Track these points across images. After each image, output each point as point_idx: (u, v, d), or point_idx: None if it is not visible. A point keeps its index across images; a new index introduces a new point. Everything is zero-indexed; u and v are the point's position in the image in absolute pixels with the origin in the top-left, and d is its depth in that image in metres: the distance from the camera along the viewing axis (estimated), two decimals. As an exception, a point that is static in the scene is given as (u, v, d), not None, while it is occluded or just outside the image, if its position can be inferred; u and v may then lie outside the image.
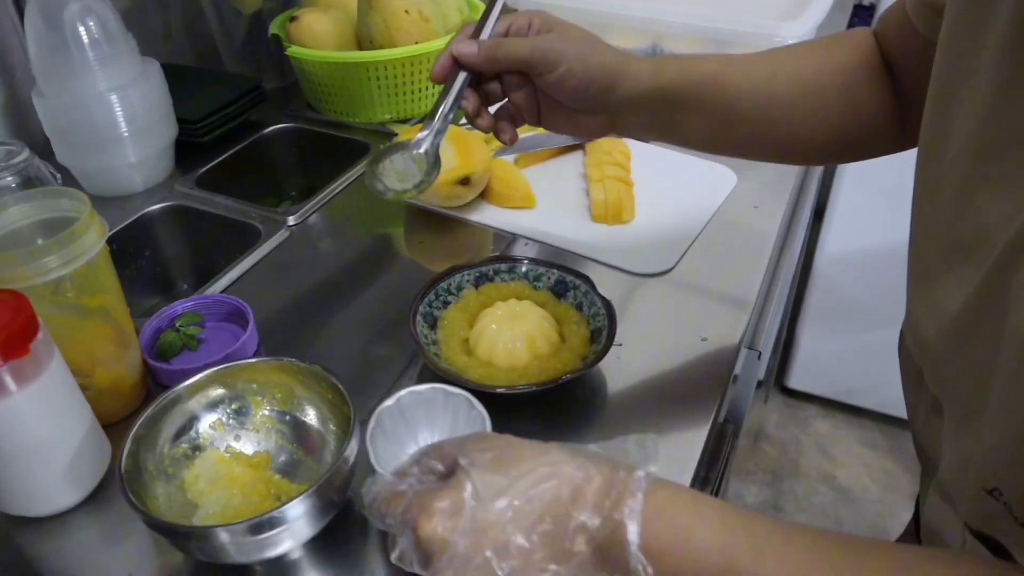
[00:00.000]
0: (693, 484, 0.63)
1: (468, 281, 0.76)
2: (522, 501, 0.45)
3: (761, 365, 1.16)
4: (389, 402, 0.63)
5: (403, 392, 0.64)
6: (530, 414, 0.68)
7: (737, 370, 0.81)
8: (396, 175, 0.64)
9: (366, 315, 0.80)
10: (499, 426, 0.61)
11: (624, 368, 0.73)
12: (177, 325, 0.78)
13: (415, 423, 0.64)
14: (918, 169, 0.49)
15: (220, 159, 1.08)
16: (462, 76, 0.63)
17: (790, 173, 1.01)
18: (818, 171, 1.22)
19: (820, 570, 0.41)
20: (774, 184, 0.98)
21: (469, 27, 0.64)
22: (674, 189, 0.97)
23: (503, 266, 0.77)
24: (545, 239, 0.90)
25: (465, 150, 0.93)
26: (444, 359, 0.69)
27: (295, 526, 0.55)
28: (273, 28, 1.14)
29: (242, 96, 1.10)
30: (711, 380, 0.72)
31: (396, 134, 1.07)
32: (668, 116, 0.65)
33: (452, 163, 0.91)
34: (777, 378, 2.07)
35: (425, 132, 0.64)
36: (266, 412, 0.67)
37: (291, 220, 0.95)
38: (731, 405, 0.95)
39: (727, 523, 0.44)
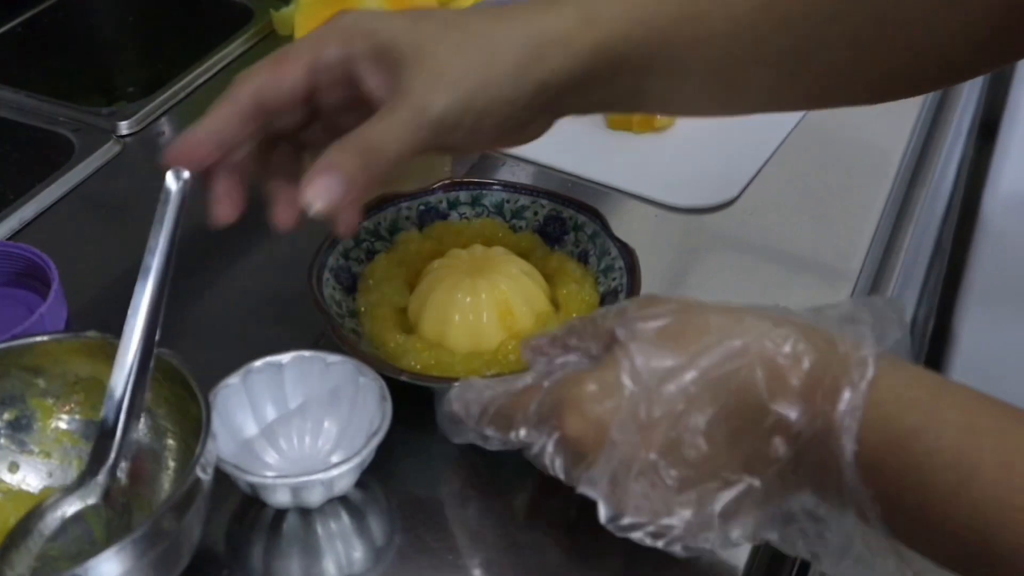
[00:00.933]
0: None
1: (408, 218, 0.75)
2: (700, 387, 0.48)
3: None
4: (233, 379, 0.65)
5: (257, 363, 0.65)
6: None
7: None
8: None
9: (244, 278, 0.80)
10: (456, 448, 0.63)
11: None
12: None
13: (262, 406, 0.66)
14: None
15: (6, 28, 1.05)
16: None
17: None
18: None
19: None
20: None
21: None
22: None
23: (463, 194, 0.75)
24: (536, 158, 0.90)
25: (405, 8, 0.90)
26: (369, 339, 0.68)
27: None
28: None
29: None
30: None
31: None
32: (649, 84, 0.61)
33: None
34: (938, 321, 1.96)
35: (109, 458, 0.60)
36: (61, 423, 0.66)
37: (123, 127, 0.92)
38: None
39: (973, 424, 0.45)
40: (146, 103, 0.94)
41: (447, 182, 0.75)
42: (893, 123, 0.96)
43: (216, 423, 0.60)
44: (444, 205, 0.76)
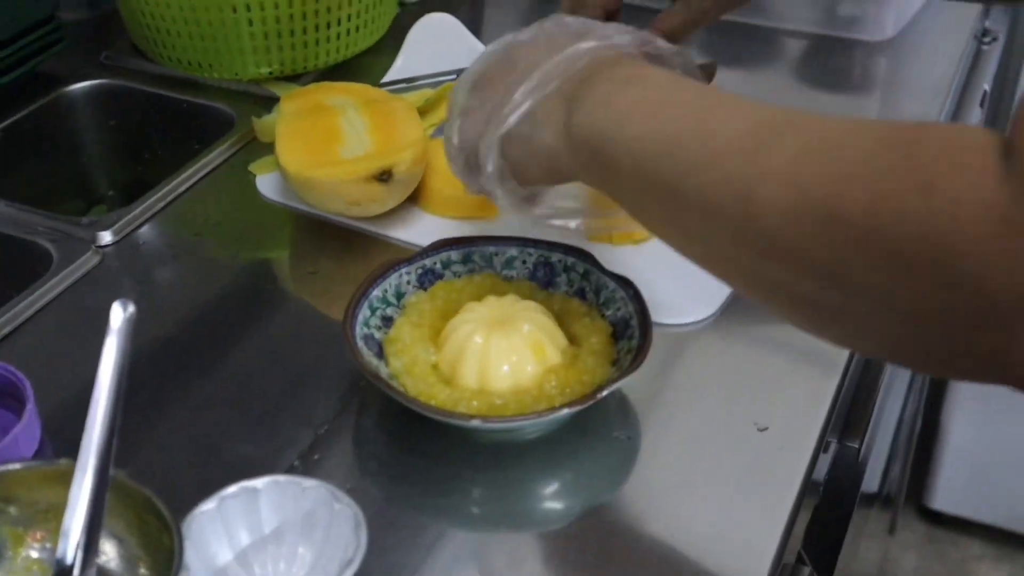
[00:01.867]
0: None
1: (409, 283, 0.78)
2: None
3: (871, 471, 1.16)
4: (207, 505, 0.64)
5: (231, 489, 0.64)
6: (544, 455, 0.71)
7: (819, 475, 0.82)
8: None
9: (225, 391, 0.78)
10: (514, 483, 0.69)
11: (637, 477, 0.71)
12: None
13: (237, 532, 0.66)
14: None
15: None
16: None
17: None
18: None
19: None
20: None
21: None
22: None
23: (453, 253, 0.79)
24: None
25: (385, 125, 0.92)
26: (415, 396, 0.70)
27: None
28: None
29: (26, 32, 1.06)
30: (771, 500, 0.69)
31: (278, 99, 1.03)
32: None
33: (365, 147, 0.90)
34: (911, 494, 1.93)
35: None
36: (32, 552, 0.65)
37: (105, 237, 0.91)
38: (813, 537, 0.88)
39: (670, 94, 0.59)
40: (126, 212, 0.94)
41: (438, 242, 0.78)
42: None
43: (190, 552, 0.60)
44: (439, 266, 0.78)
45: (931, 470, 1.87)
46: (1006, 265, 0.42)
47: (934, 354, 0.49)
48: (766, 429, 0.73)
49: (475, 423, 0.67)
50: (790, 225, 0.49)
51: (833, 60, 1.13)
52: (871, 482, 1.27)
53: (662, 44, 0.68)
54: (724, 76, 1.14)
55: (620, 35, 0.64)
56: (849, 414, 0.88)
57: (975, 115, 1.20)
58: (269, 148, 0.93)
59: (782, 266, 0.50)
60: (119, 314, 0.61)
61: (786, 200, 0.49)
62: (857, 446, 0.86)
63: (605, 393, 0.67)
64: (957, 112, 1.12)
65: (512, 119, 0.63)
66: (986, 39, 1.25)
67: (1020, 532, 1.88)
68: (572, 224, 0.71)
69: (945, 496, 1.88)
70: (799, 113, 0.53)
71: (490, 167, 0.65)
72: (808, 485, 0.71)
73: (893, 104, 1.10)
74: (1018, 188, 0.42)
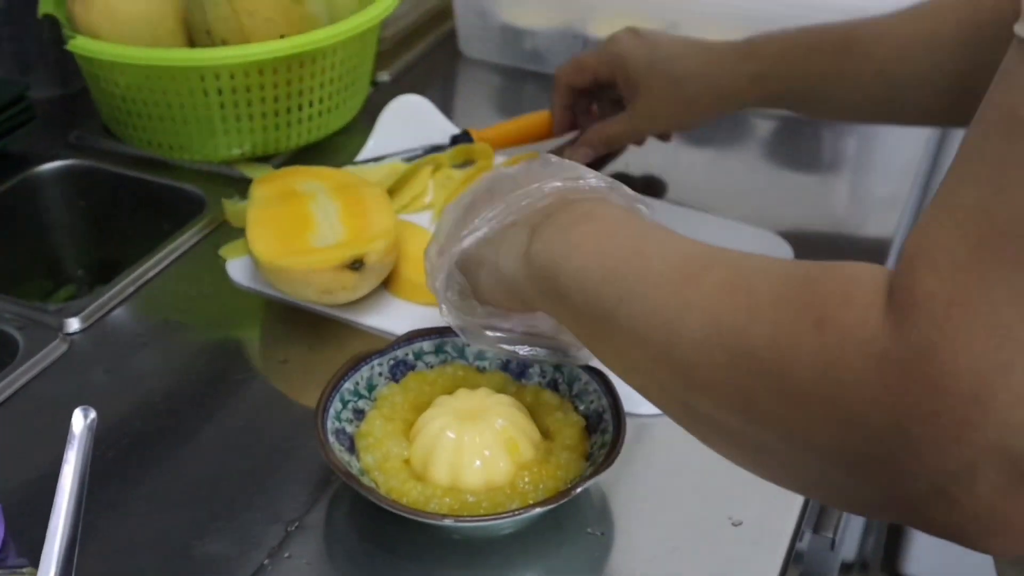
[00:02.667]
0: None
1: (381, 374, 0.77)
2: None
3: (848, 543, 1.17)
4: None
5: None
6: (518, 551, 0.70)
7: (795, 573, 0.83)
8: None
9: (193, 486, 0.76)
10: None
11: (612, 574, 0.70)
12: None
13: None
14: None
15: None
16: None
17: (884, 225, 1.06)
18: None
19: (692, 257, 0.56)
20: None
21: None
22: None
23: (426, 344, 0.79)
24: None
25: (357, 212, 0.91)
26: (386, 492, 0.70)
27: None
28: (45, 5, 1.08)
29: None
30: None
31: (250, 180, 1.02)
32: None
33: (337, 234, 0.89)
34: (886, 561, 1.91)
35: None
36: None
37: (73, 324, 0.89)
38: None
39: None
40: (94, 298, 0.91)
41: (410, 333, 0.78)
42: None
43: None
44: (411, 357, 0.78)
45: (905, 537, 1.88)
46: (887, 401, 0.42)
47: (851, 494, 0.49)
48: (740, 524, 0.72)
49: (447, 522, 0.66)
50: (704, 356, 0.51)
51: (802, 141, 1.14)
52: (848, 553, 1.24)
53: (628, 191, 0.69)
54: (693, 157, 1.15)
55: (590, 178, 0.67)
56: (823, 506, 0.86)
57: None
58: (240, 232, 0.92)
59: (704, 397, 0.52)
60: (80, 421, 0.60)
61: (702, 332, 0.51)
62: (831, 535, 0.85)
63: (578, 490, 0.66)
64: (926, 192, 1.13)
65: (466, 242, 0.68)
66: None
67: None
68: (522, 351, 0.72)
69: (918, 562, 1.89)
70: (728, 251, 0.55)
71: (437, 282, 0.70)
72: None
73: (863, 184, 1.11)
74: (896, 322, 0.43)
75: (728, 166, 1.12)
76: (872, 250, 1.04)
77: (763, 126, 1.16)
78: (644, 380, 0.57)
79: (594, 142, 1.02)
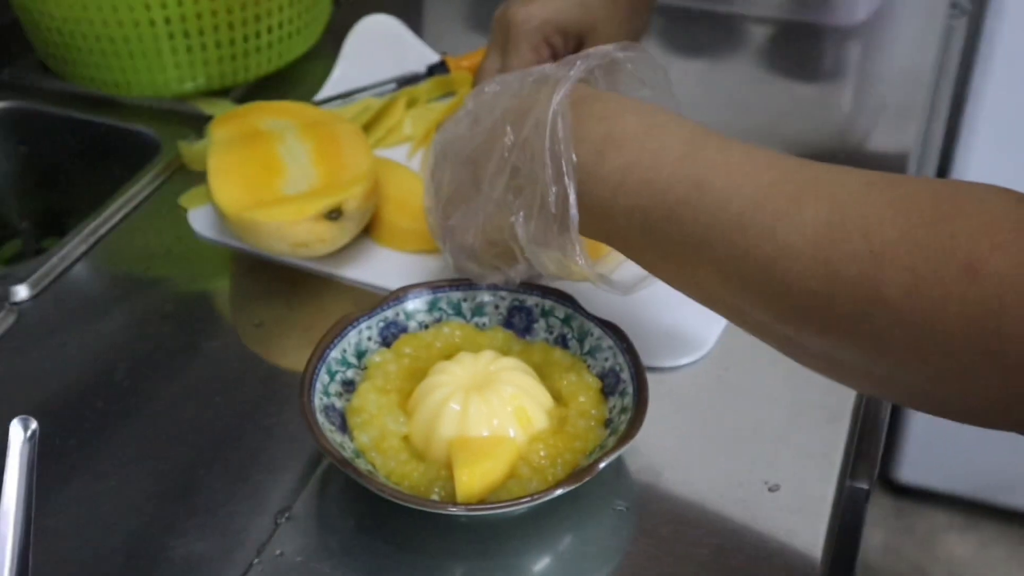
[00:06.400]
0: None
1: (370, 338, 0.74)
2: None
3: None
4: None
5: None
6: (533, 534, 0.67)
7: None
8: None
9: (167, 478, 0.73)
10: (501, 569, 0.65)
11: (639, 553, 0.67)
12: None
13: None
14: None
15: None
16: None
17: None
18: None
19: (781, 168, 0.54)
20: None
21: None
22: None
23: (418, 302, 0.75)
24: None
25: (330, 153, 0.86)
26: (386, 475, 0.67)
27: None
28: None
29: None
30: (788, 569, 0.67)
31: (209, 117, 0.98)
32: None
33: (309, 180, 0.85)
34: (881, 468, 1.98)
35: None
36: None
37: (21, 292, 0.84)
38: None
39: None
40: (43, 261, 0.86)
41: (398, 290, 0.75)
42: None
43: None
44: (402, 317, 0.75)
45: (897, 442, 1.90)
46: None
47: (975, 413, 0.50)
48: (777, 488, 0.68)
49: (456, 510, 0.63)
50: (823, 304, 0.50)
51: (802, 47, 1.09)
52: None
53: (608, 49, 0.68)
54: (685, 68, 1.09)
55: (564, 67, 0.64)
56: (857, 453, 0.82)
57: (947, 99, 1.17)
58: (200, 176, 0.87)
59: (821, 339, 0.51)
60: (19, 434, 0.56)
61: (816, 281, 0.50)
62: (867, 487, 0.80)
63: (603, 466, 0.63)
64: (935, 101, 1.08)
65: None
66: (955, 11, 1.21)
67: (986, 502, 1.91)
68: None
69: (911, 468, 1.91)
70: (807, 168, 0.53)
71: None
72: (830, 552, 0.67)
73: (868, 94, 1.06)
74: None
75: (723, 77, 1.07)
76: (887, 167, 0.99)
77: (759, 32, 1.11)
78: (732, 313, 0.57)
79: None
